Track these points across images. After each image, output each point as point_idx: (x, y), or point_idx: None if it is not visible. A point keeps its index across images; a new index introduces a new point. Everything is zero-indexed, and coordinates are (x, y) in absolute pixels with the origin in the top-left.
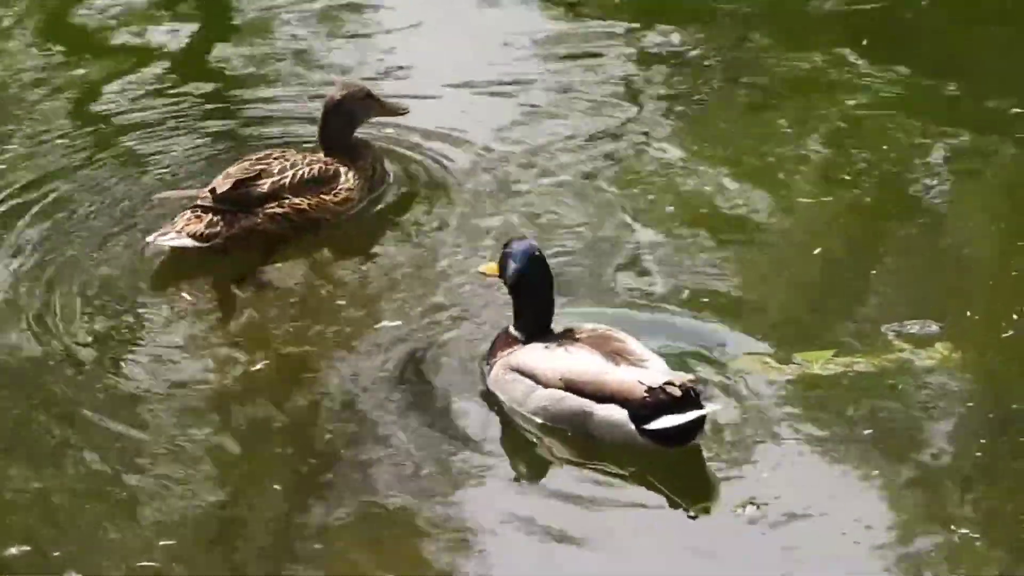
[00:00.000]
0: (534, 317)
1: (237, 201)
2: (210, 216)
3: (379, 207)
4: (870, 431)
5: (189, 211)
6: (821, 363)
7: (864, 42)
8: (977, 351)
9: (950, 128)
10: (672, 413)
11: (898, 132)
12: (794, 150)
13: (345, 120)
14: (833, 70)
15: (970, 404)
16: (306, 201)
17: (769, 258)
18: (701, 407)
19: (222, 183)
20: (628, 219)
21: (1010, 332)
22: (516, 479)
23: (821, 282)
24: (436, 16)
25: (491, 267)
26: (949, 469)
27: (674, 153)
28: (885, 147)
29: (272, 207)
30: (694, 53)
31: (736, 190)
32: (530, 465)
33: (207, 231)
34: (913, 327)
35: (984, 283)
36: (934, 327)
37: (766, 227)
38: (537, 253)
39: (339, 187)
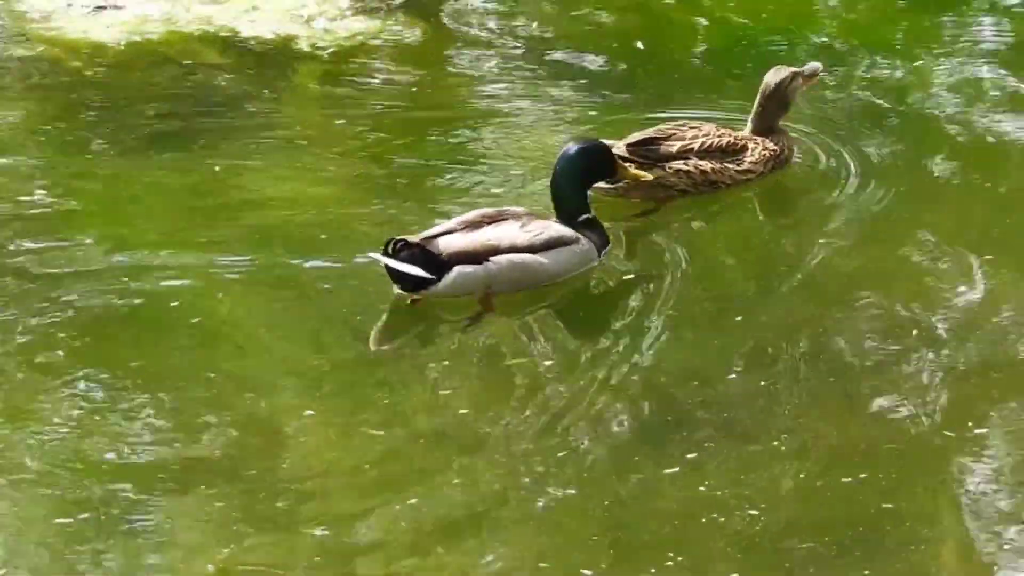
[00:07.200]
0: None
1: (646, 155)
2: None
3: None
4: None
5: None
6: None
7: None
8: None
9: None
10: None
11: None
12: None
13: (779, 103)
14: None
15: None
16: (710, 165)
17: None
18: (388, 257)
19: (636, 136)
20: None
21: None
22: None
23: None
24: None
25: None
26: None
27: None
28: None
29: (678, 164)
30: None
31: None
32: None
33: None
34: None
35: None
36: None
37: None
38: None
39: (744, 159)
